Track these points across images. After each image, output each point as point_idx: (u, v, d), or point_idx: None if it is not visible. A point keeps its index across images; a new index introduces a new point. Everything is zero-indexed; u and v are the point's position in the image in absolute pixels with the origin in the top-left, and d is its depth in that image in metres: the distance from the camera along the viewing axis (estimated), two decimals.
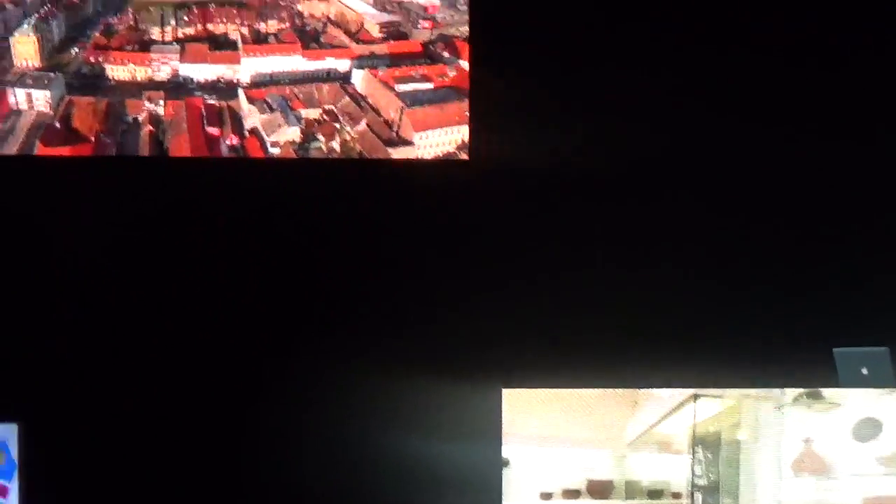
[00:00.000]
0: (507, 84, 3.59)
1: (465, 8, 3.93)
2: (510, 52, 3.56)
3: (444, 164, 3.79)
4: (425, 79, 4.48)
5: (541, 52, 3.50)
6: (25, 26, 4.18)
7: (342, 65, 4.61)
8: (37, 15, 4.00)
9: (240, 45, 4.45)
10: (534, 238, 3.41)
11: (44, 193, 3.49)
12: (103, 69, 4.01)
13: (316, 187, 3.65)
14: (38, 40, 4.18)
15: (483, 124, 3.63)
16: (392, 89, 4.47)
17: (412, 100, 4.37)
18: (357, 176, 3.79)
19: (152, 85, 4.32)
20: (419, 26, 4.71)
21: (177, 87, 4.35)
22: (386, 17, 4.72)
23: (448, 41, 4.54)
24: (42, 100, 4.12)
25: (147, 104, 4.22)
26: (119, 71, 4.19)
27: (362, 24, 4.75)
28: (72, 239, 3.37)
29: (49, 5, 4.09)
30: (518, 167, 3.50)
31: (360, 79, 4.56)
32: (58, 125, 4.05)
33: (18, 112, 4.07)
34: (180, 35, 4.52)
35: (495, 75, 3.58)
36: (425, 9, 4.73)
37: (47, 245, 3.32)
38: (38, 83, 4.12)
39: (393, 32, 4.74)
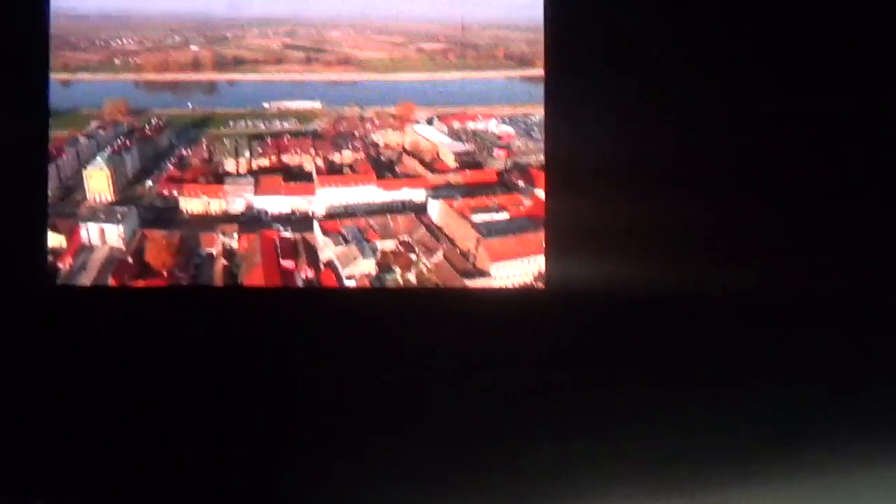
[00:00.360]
0: (582, 213, 3.44)
1: (539, 137, 3.87)
2: (585, 181, 3.41)
3: (520, 294, 3.65)
4: (501, 208, 4.40)
5: (616, 182, 3.35)
6: (98, 160, 4.13)
7: (417, 195, 4.52)
8: (110, 148, 3.81)
9: (314, 175, 4.42)
10: (613, 365, 3.22)
11: (118, 322, 3.34)
12: (177, 202, 3.84)
13: (392, 317, 3.46)
14: (111, 174, 4.14)
15: (559, 253, 3.48)
16: (468, 219, 4.35)
17: (488, 230, 4.27)
18: (433, 306, 3.60)
19: (226, 217, 4.23)
20: (494, 155, 4.68)
21: (251, 220, 4.27)
22: (461, 147, 4.68)
23: (524, 170, 4.54)
24: (114, 235, 4.04)
25: (221, 237, 4.11)
26: (193, 203, 4.15)
27: (437, 154, 4.70)
28: (144, 367, 3.24)
29: (123, 138, 3.89)
30: (595, 295, 3.30)
31: (435, 209, 4.44)
32: (130, 260, 3.96)
33: (91, 248, 3.99)
34: (254, 167, 4.50)
35: (571, 204, 3.42)
36: (500, 137, 4.71)
37: (121, 370, 3.18)
38: (111, 217, 4.05)
39: (468, 162, 4.70)
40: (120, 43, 4.33)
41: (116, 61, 4.28)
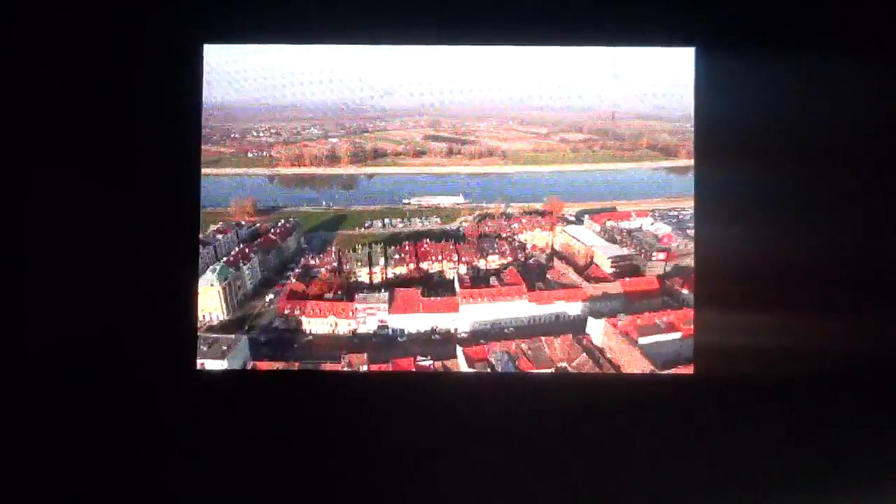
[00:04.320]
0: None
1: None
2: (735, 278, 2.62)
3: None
4: (670, 327, 3.53)
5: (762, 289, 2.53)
6: (210, 274, 3.42)
7: (573, 308, 3.76)
8: (225, 259, 2.77)
9: (457, 288, 2.99)
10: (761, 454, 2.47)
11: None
12: (299, 322, 2.76)
13: (536, 404, 2.74)
14: (223, 290, 3.39)
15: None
16: (635, 343, 3.53)
17: (658, 356, 3.39)
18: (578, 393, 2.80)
19: (355, 341, 3.40)
20: (653, 258, 4.01)
21: (384, 342, 3.45)
22: (616, 251, 4.04)
23: (686, 275, 3.74)
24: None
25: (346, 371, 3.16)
26: (317, 324, 2.78)
27: (591, 258, 4.03)
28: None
29: (243, 245, 2.87)
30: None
31: (596, 329, 3.63)
32: None
33: None
34: (390, 275, 3.76)
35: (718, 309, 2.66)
36: (659, 239, 4.06)
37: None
38: (214, 350, 3.15)
39: (626, 268, 4.01)
40: (256, 135, 3.92)
41: (250, 154, 3.87)
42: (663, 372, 3.19)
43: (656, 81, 3.45)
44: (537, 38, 2.87)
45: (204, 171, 2.97)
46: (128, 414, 2.68)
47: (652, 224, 3.86)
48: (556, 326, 3.38)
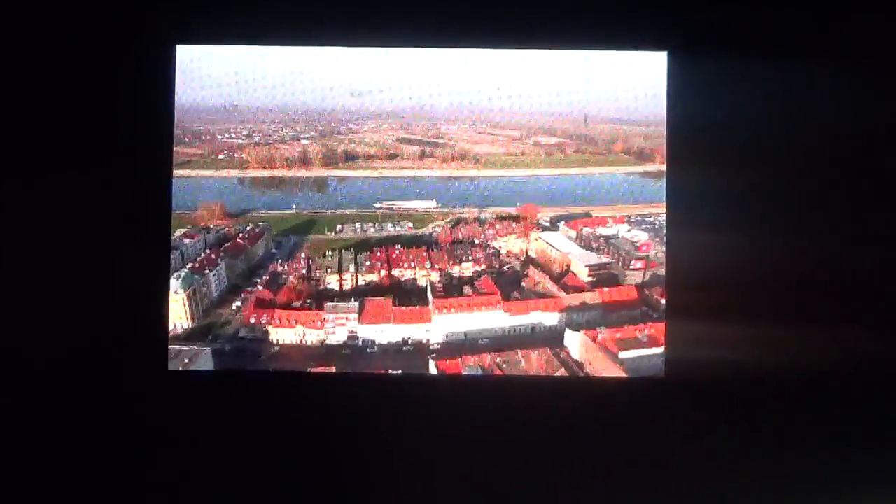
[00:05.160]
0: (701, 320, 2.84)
1: None
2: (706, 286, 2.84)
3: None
4: (653, 341, 3.31)
5: (736, 295, 2.81)
6: (174, 281, 3.19)
7: (549, 318, 3.62)
8: (190, 265, 2.58)
9: (430, 297, 3.51)
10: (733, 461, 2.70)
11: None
12: (265, 332, 2.55)
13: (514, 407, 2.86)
14: (187, 298, 3.26)
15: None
16: (616, 358, 3.36)
17: (639, 372, 3.20)
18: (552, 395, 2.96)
19: (323, 352, 3.24)
20: (632, 266, 3.88)
21: (354, 353, 3.30)
22: (593, 258, 3.92)
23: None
24: None
25: None
26: (284, 334, 3.25)
27: (568, 267, 3.88)
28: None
29: (209, 251, 2.69)
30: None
31: (575, 342, 3.50)
32: None
33: None
34: (361, 282, 3.62)
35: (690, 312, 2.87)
36: (637, 247, 3.91)
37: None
38: (176, 363, 2.99)
39: (603, 276, 3.88)
40: (227, 137, 3.77)
41: (221, 156, 3.73)
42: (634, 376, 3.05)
43: (629, 85, 3.37)
44: (509, 40, 2.77)
45: (177, 172, 2.81)
46: (102, 415, 2.54)
47: (629, 231, 3.75)
48: (533, 338, 3.24)
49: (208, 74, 3.20)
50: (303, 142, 3.86)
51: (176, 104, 2.65)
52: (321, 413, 2.69)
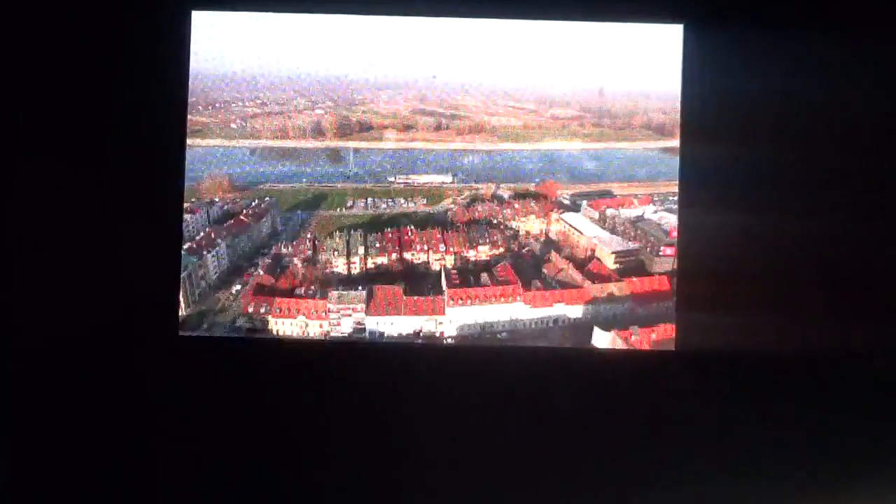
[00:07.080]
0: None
1: None
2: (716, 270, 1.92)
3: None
4: None
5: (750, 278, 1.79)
6: None
7: (574, 311, 2.60)
8: (187, 246, 2.09)
9: (444, 288, 2.33)
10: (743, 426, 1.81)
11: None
12: (265, 322, 2.07)
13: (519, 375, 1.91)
14: (184, 282, 2.26)
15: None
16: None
17: None
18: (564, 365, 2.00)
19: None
20: (661, 253, 3.45)
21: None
22: (620, 244, 3.53)
23: None
24: None
25: None
26: (285, 325, 2.10)
27: (593, 252, 3.59)
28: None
29: (209, 230, 2.19)
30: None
31: (605, 344, 3.41)
32: None
33: None
34: (370, 265, 2.51)
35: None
36: (668, 232, 3.59)
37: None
38: None
39: (630, 264, 3.45)
40: (241, 105, 2.72)
41: (233, 126, 2.76)
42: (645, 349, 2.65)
43: (645, 58, 2.94)
44: (524, 12, 2.43)
45: (189, 141, 2.38)
46: (112, 381, 2.24)
47: (655, 212, 3.24)
48: (556, 331, 2.79)
49: (222, 43, 2.80)
50: (317, 111, 3.39)
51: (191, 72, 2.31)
52: (335, 381, 2.39)
